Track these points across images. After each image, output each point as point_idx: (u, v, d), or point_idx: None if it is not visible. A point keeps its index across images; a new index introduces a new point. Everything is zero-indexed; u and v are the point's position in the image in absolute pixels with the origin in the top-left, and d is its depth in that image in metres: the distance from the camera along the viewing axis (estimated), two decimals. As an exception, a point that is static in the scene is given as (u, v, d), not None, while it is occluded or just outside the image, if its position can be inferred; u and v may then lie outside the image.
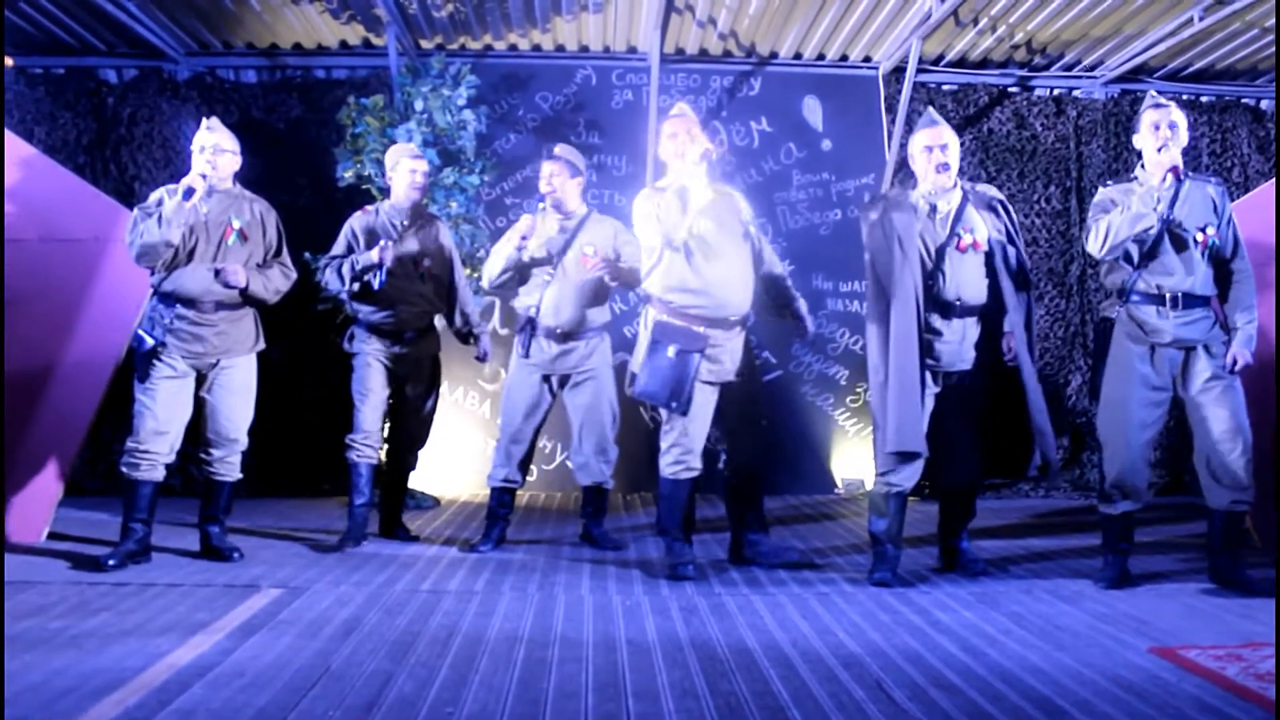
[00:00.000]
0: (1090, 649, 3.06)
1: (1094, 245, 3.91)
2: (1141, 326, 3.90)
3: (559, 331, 4.62)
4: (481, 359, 5.05)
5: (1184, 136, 3.94)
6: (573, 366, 4.68)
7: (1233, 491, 3.84)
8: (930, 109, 4.34)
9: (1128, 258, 3.94)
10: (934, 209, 4.05)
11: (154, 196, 4.21)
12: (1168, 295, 3.87)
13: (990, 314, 4.09)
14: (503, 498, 4.77)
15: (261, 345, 4.50)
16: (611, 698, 2.62)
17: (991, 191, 4.23)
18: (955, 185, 4.08)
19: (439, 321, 5.03)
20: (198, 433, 4.39)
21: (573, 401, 4.75)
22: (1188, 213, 3.88)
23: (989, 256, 4.05)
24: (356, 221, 4.80)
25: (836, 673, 2.84)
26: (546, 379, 4.70)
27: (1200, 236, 3.88)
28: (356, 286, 4.63)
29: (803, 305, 4.49)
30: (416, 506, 5.93)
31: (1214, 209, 3.93)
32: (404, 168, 4.76)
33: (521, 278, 4.67)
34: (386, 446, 4.97)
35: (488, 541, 4.70)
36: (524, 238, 4.52)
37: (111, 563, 4.13)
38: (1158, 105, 3.96)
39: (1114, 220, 3.84)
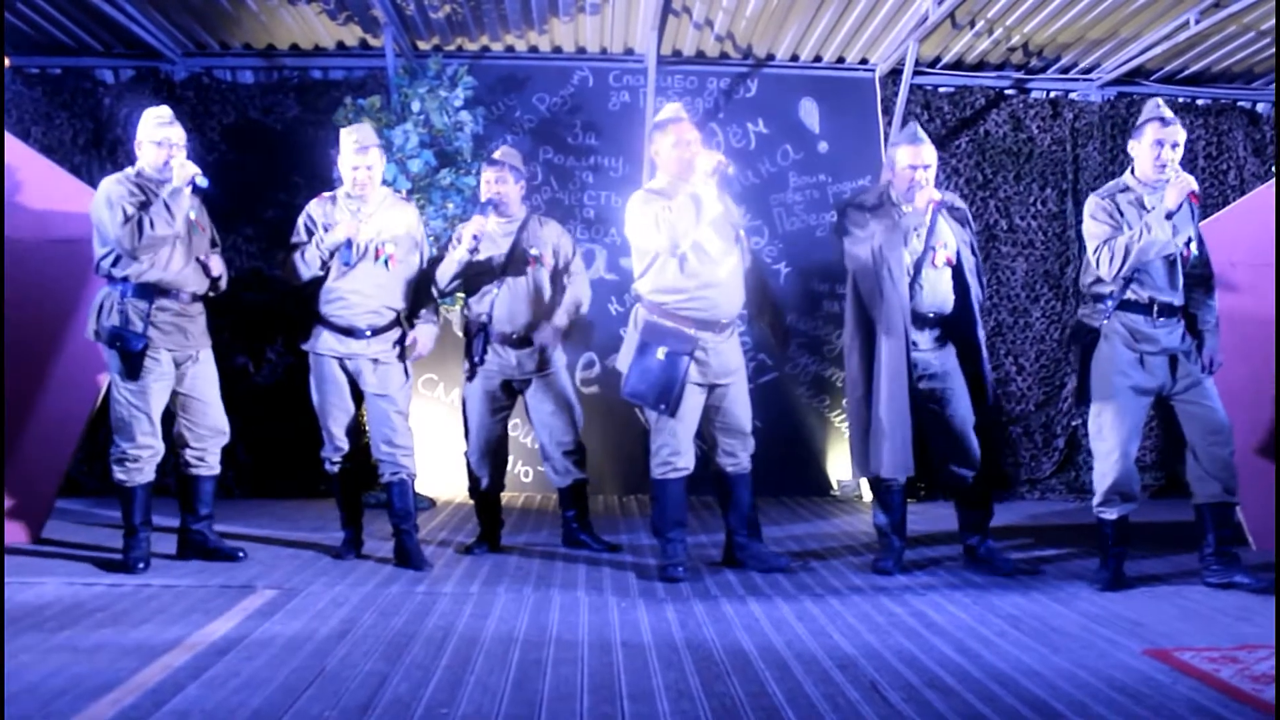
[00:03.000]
0: (1085, 651, 3.07)
1: (1108, 269, 3.88)
2: (1133, 335, 3.92)
3: (514, 337, 4.57)
4: (412, 350, 4.52)
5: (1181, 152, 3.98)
6: (532, 370, 4.62)
7: (1221, 481, 3.90)
8: (914, 123, 4.38)
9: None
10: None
11: (117, 190, 4.10)
12: (1156, 306, 3.91)
13: (957, 322, 4.23)
14: (489, 506, 4.76)
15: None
16: (607, 699, 2.62)
17: (959, 202, 4.36)
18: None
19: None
20: (176, 431, 4.37)
21: (537, 406, 4.67)
22: (1176, 226, 3.88)
23: (958, 268, 4.18)
24: (314, 209, 4.46)
25: (831, 674, 2.84)
26: (506, 383, 4.65)
27: (1185, 250, 3.92)
28: (322, 269, 4.34)
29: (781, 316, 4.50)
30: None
31: (1191, 218, 3.96)
32: (347, 163, 4.40)
33: (470, 283, 4.58)
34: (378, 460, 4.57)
35: (483, 544, 4.70)
36: (476, 238, 4.40)
37: (141, 566, 4.14)
38: (1164, 121, 3.91)
39: (1132, 245, 3.81)
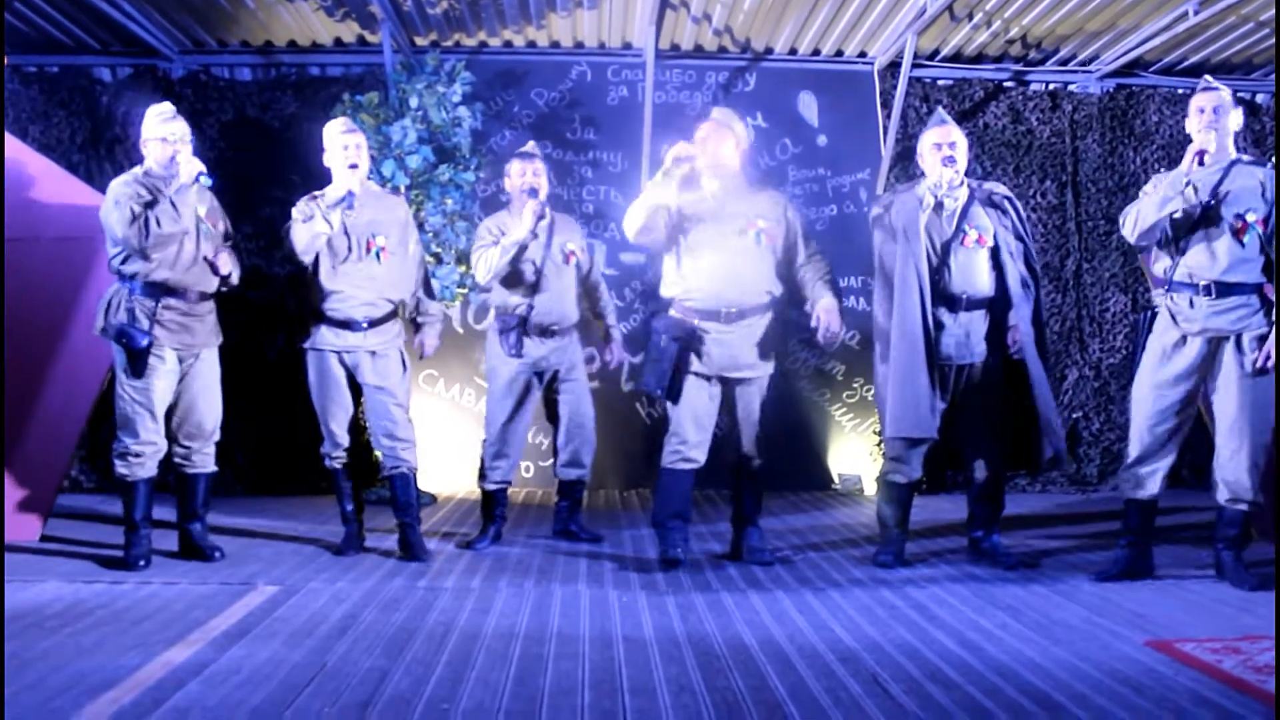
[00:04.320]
0: (1086, 643, 3.07)
1: (1126, 230, 3.93)
2: (1175, 316, 3.85)
3: (552, 328, 4.65)
4: (420, 352, 4.69)
5: (1233, 121, 3.87)
6: (560, 362, 4.71)
7: (1229, 490, 3.82)
8: (940, 109, 4.40)
9: (1169, 244, 3.87)
10: (940, 205, 4.11)
11: (124, 190, 4.10)
12: (1200, 283, 3.78)
13: (998, 308, 4.14)
14: (499, 498, 4.77)
15: (221, 337, 4.48)
16: (608, 694, 2.61)
17: (1000, 189, 4.29)
18: (963, 183, 4.15)
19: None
20: (171, 428, 4.34)
21: (562, 398, 4.76)
22: (1229, 198, 3.76)
23: (994, 252, 4.10)
24: (302, 204, 4.41)
25: (833, 668, 2.84)
26: (538, 375, 4.71)
27: (1239, 223, 3.74)
28: (328, 228, 4.28)
29: (824, 305, 4.23)
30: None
31: (1262, 194, 3.77)
32: (337, 144, 4.39)
33: (506, 278, 4.62)
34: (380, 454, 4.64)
35: (484, 539, 4.70)
36: (539, 217, 4.52)
37: (142, 564, 4.14)
38: (1206, 89, 3.89)
39: (1144, 205, 3.84)
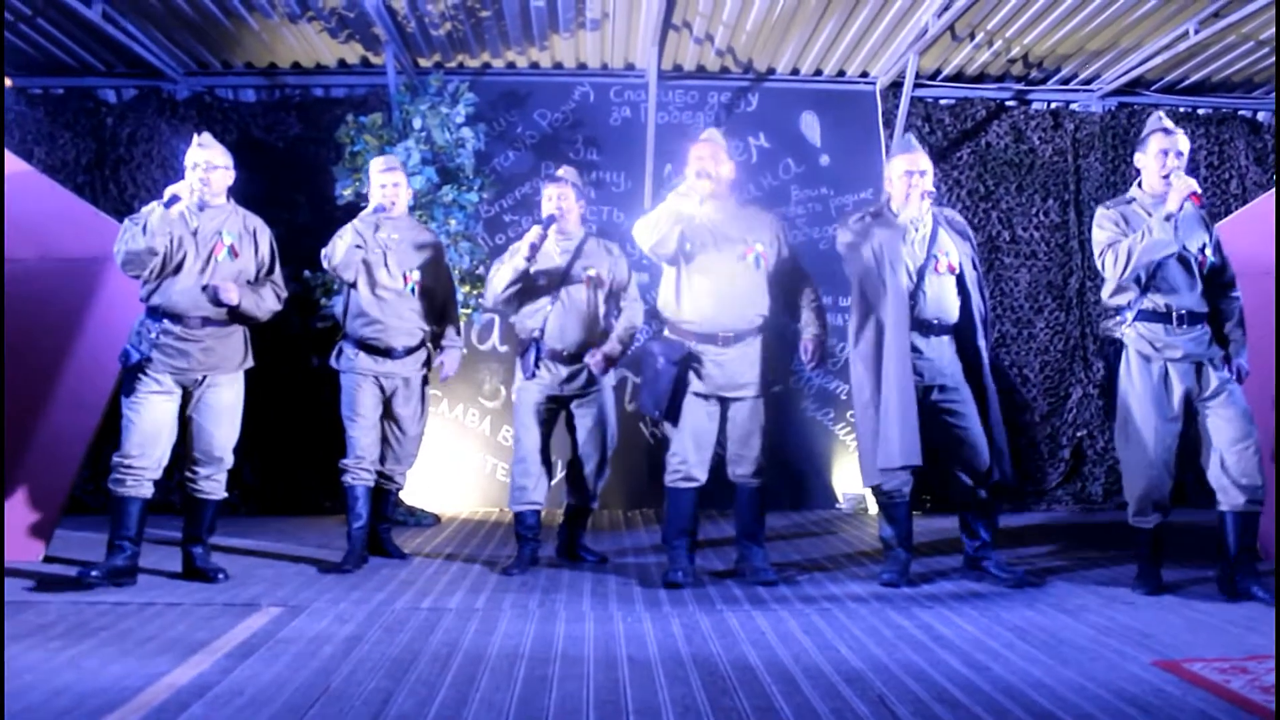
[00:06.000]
0: (1093, 662, 3.05)
1: (1113, 271, 3.96)
2: (1152, 344, 3.94)
3: (564, 354, 4.61)
4: (440, 374, 4.96)
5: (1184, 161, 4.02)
6: (579, 387, 4.67)
7: (1248, 491, 3.87)
8: (909, 134, 4.46)
9: (1135, 278, 3.97)
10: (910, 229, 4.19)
11: (147, 209, 4.20)
12: (1175, 314, 3.93)
13: (960, 333, 4.24)
14: (527, 520, 4.73)
15: (250, 363, 4.43)
16: (613, 715, 2.60)
17: (958, 217, 4.41)
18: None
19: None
20: (183, 451, 4.34)
21: (578, 422, 4.74)
22: (1188, 234, 3.92)
23: (959, 278, 4.21)
24: (357, 222, 4.65)
25: (839, 688, 2.82)
26: (554, 398, 4.69)
27: (1201, 257, 3.95)
28: (357, 239, 4.57)
29: (812, 336, 4.35)
30: (416, 524, 5.92)
31: (1205, 228, 3.99)
32: (374, 183, 4.75)
33: (524, 298, 4.64)
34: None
35: (519, 563, 4.64)
36: (534, 246, 4.49)
37: (94, 574, 4.06)
38: (1167, 131, 4.01)
39: (1134, 246, 3.88)
